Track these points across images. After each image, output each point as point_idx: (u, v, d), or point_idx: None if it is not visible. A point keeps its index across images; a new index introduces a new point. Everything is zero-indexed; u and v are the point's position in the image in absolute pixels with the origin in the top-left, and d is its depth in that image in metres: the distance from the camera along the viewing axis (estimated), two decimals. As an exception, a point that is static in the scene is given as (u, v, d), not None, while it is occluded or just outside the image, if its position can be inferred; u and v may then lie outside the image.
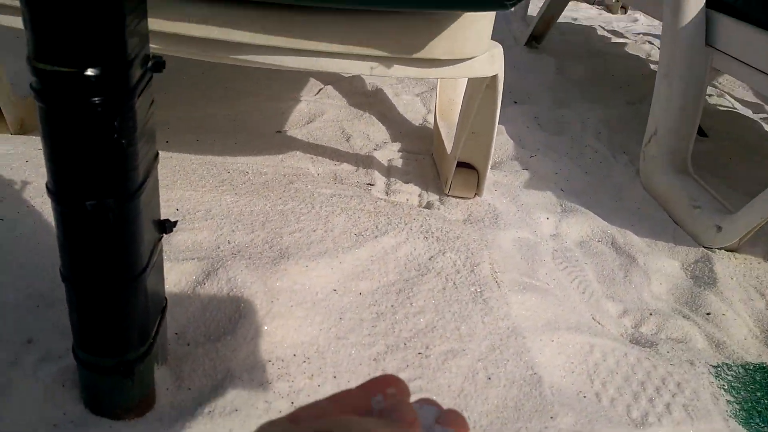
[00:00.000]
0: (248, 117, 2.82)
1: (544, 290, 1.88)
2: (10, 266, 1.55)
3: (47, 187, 0.98)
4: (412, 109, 3.25)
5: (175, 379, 1.30)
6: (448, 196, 2.41)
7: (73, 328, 1.11)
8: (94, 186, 0.95)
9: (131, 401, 1.19)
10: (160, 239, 1.20)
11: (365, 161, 2.66)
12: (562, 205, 2.52)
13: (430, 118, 3.14)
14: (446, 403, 1.36)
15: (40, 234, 1.67)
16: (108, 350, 1.11)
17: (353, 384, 1.36)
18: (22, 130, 2.34)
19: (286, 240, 1.78)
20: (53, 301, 1.46)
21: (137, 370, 1.14)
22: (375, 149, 2.78)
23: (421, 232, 1.96)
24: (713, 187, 2.55)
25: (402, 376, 1.37)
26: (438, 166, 2.62)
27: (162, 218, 1.18)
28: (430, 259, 1.85)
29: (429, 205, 2.34)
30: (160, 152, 1.11)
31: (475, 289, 1.72)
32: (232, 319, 1.42)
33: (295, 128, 2.85)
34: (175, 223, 1.22)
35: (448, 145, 2.49)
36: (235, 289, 1.49)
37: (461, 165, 2.32)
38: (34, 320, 1.39)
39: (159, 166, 1.11)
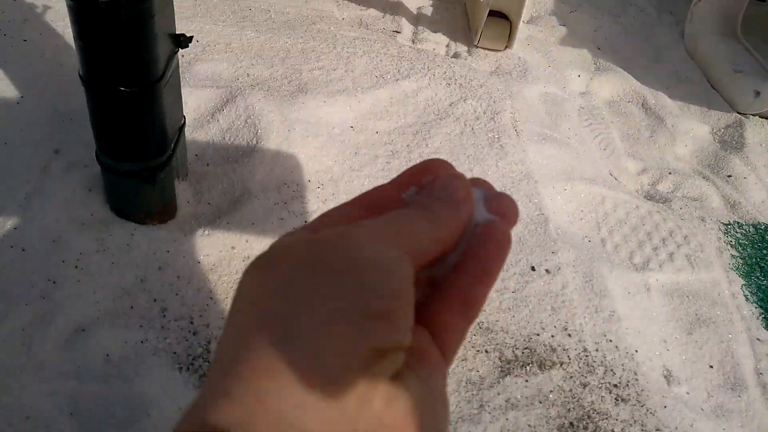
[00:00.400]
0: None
1: (564, 143, 1.86)
2: (36, 83, 1.58)
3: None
4: (447, -45, 3.02)
5: (195, 194, 1.36)
6: (477, 47, 2.32)
7: (94, 133, 1.16)
8: (104, -20, 0.94)
9: (153, 208, 1.26)
10: (175, 53, 1.19)
11: (393, 7, 2.54)
12: (596, 64, 2.41)
13: (466, -34, 2.93)
14: (452, 234, 1.42)
15: (63, 55, 1.68)
16: (128, 155, 1.16)
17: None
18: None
19: (306, 76, 1.76)
20: (77, 118, 1.50)
21: (158, 178, 1.19)
22: (404, -5, 2.64)
23: (444, 79, 1.91)
24: (761, 54, 2.39)
25: (412, 208, 1.41)
26: (469, 16, 2.49)
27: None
28: (450, 105, 1.82)
29: (456, 56, 2.26)
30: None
31: (493, 135, 1.71)
32: (249, 143, 1.45)
33: (322, -30, 2.70)
34: (191, 38, 1.21)
35: (481, -8, 2.34)
36: (252, 116, 1.50)
37: (493, 14, 2.20)
38: (60, 133, 1.44)
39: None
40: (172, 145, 1.22)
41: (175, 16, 1.15)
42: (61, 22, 1.82)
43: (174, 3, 1.13)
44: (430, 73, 1.92)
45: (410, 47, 2.16)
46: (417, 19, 2.58)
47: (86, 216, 1.25)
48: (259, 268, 0.28)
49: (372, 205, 0.33)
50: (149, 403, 1.00)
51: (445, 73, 1.95)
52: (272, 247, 0.29)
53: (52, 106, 1.53)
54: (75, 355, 1.06)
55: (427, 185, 0.33)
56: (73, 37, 1.03)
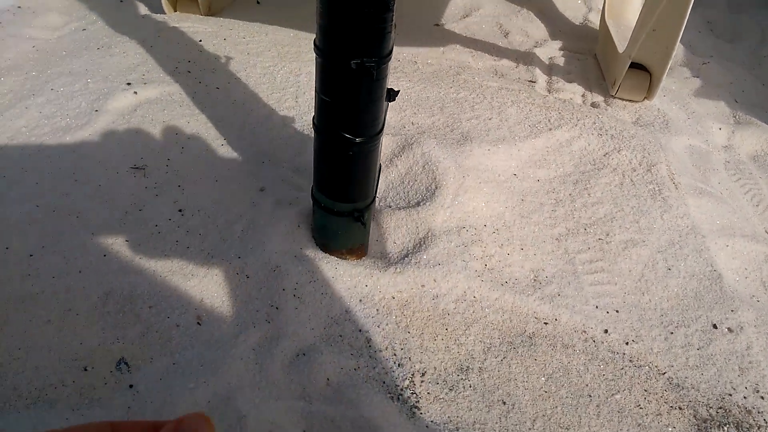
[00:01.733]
0: (405, 8, 2.84)
1: (718, 198, 1.86)
2: (232, 128, 1.77)
3: (315, 44, 1.11)
4: (571, 7, 3.11)
5: (382, 234, 1.47)
6: (614, 97, 2.36)
7: (317, 175, 1.29)
8: (358, 47, 1.07)
9: (353, 245, 1.38)
10: (388, 106, 1.32)
11: (525, 58, 2.63)
12: (735, 117, 2.39)
13: (592, 17, 3.01)
14: (627, 286, 1.45)
15: (251, 103, 1.87)
16: (343, 196, 1.28)
17: (539, 256, 1.48)
18: (211, 12, 2.54)
19: (465, 125, 1.86)
20: (276, 159, 1.66)
21: (365, 218, 1.31)
22: (535, 46, 2.73)
23: (595, 129, 1.97)
24: None
25: (583, 257, 1.46)
26: (603, 66, 2.54)
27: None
28: (605, 155, 1.87)
29: (594, 105, 2.31)
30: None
31: (653, 188, 1.74)
32: (428, 188, 1.56)
33: (451, 22, 2.85)
34: (398, 92, 1.33)
35: (620, 44, 2.39)
36: (429, 163, 1.61)
37: (632, 66, 2.25)
38: (261, 173, 1.60)
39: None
40: (376, 187, 1.34)
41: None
42: (243, 72, 2.02)
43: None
44: (580, 123, 1.98)
45: (553, 97, 2.23)
46: (550, 69, 2.66)
47: (297, 249, 1.38)
48: None
49: None
50: (376, 429, 1.08)
51: (594, 123, 2.01)
52: None
53: (250, 148, 1.70)
54: (300, 377, 1.17)
55: (171, 428, 0.34)
56: (316, 90, 1.17)
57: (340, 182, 1.26)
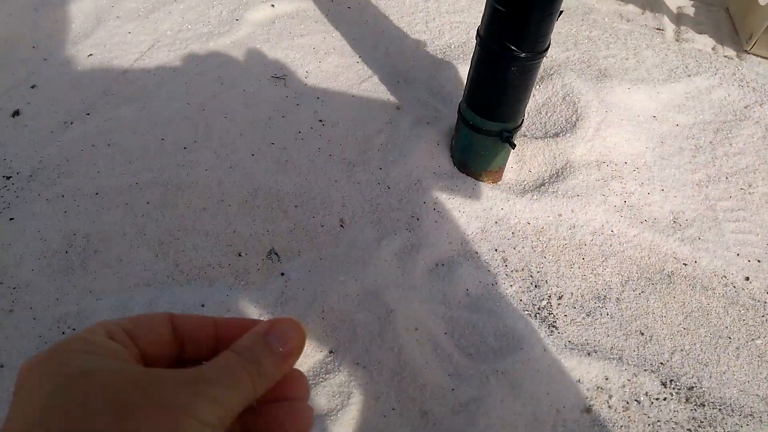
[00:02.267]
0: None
1: None
2: (366, 47, 1.78)
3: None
4: (706, -45, 2.90)
5: (518, 161, 1.46)
6: (748, 53, 2.20)
7: (470, 92, 1.28)
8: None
9: (493, 167, 1.37)
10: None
11: (652, 5, 2.48)
12: None
13: (730, -32, 2.79)
14: (771, 236, 1.39)
15: (382, 24, 1.87)
16: (494, 116, 1.27)
17: (680, 199, 1.43)
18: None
19: (602, 62, 1.80)
20: (410, 80, 1.66)
21: (511, 140, 1.29)
22: (665, -6, 2.57)
23: (735, 80, 1.86)
24: None
25: (725, 205, 1.40)
26: (737, 19, 2.37)
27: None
28: (745, 107, 1.77)
29: (728, 59, 2.17)
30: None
31: (802, 143, 1.63)
32: (569, 120, 1.52)
33: (576, -37, 2.72)
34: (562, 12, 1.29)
35: (766, -5, 2.22)
36: (571, 95, 1.57)
37: (776, 19, 2.09)
38: (398, 92, 1.61)
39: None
40: (525, 110, 1.32)
41: None
42: (373, -7, 2.01)
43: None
44: (719, 73, 1.87)
45: (689, 47, 2.11)
46: (678, 19, 2.50)
47: (435, 167, 1.39)
48: (64, 387, 0.27)
49: (193, 334, 0.33)
50: (519, 339, 1.10)
51: (734, 74, 1.89)
52: (82, 371, 0.27)
53: (384, 67, 1.71)
54: (440, 284, 1.20)
55: (262, 331, 0.32)
56: (488, 4, 1.14)
57: (495, 100, 1.25)
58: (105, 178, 1.33)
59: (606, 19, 2.19)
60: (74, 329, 1.07)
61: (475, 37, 1.22)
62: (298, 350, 0.32)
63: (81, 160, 1.37)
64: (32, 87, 1.59)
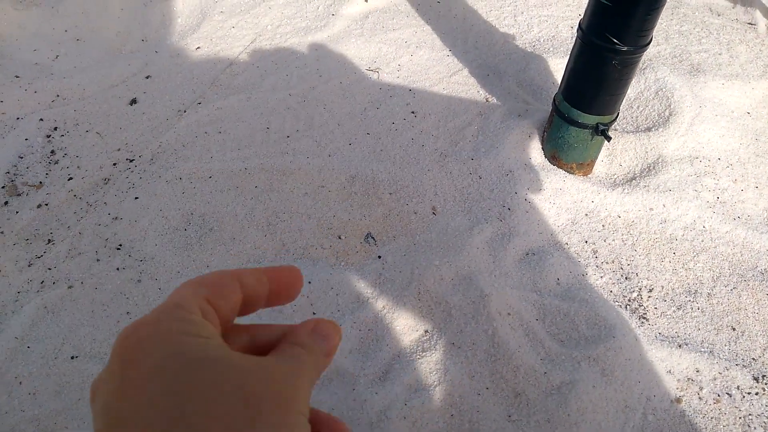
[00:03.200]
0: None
1: None
2: (456, 41, 1.82)
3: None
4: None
5: (609, 155, 1.48)
6: None
7: (567, 84, 1.31)
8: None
9: (585, 160, 1.40)
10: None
11: (746, -2, 2.40)
12: None
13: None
14: None
15: (471, 18, 1.91)
16: (590, 108, 1.29)
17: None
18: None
19: (695, 57, 1.77)
20: (499, 73, 1.70)
21: (607, 133, 1.31)
22: (760, -14, 2.47)
23: (839, 76, 1.78)
24: None
25: (824, 203, 1.37)
26: None
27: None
28: None
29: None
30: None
31: None
32: (661, 114, 1.52)
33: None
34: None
35: None
36: (664, 89, 1.57)
37: None
38: (488, 85, 1.65)
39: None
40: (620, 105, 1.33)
41: None
42: (460, -13, 2.04)
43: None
44: (820, 69, 1.80)
45: (784, 39, 2.04)
46: (775, 12, 2.40)
47: (527, 158, 1.43)
48: (166, 370, 0.27)
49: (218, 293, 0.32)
50: (611, 328, 1.13)
51: (837, 70, 1.81)
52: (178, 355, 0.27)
53: (474, 60, 1.75)
54: (531, 272, 1.24)
55: (311, 329, 0.34)
56: None
57: (593, 93, 1.27)
58: (217, 163, 1.44)
59: (696, 13, 2.15)
60: (196, 298, 1.19)
61: (576, 31, 1.24)
62: (336, 349, 0.35)
63: (195, 146, 1.49)
64: (147, 77, 1.73)
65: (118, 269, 1.24)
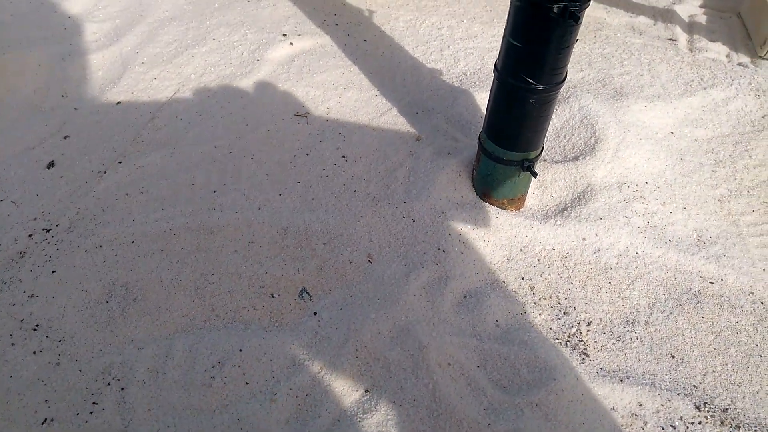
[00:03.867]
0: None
1: None
2: (383, 80, 1.81)
3: (507, -8, 1.11)
4: (715, -40, 2.90)
5: (539, 186, 1.48)
6: (762, 59, 2.20)
7: (489, 123, 1.31)
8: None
9: (515, 195, 1.40)
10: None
11: (664, 15, 2.49)
12: None
13: (740, -29, 2.79)
14: (798, 249, 1.39)
15: (398, 55, 1.91)
16: (514, 146, 1.29)
17: (702, 216, 1.44)
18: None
19: (618, 81, 1.81)
20: (428, 110, 1.70)
21: (532, 169, 1.32)
22: (674, 3, 2.58)
23: (752, 90, 1.86)
24: None
25: (748, 219, 1.41)
26: (750, 25, 2.36)
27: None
28: (763, 117, 1.77)
29: (742, 66, 2.17)
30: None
31: (825, 151, 1.63)
32: (587, 142, 1.54)
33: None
34: (577, 41, 1.32)
35: (779, 0, 2.21)
36: (588, 117, 1.59)
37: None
38: (418, 123, 1.65)
39: None
40: (544, 139, 1.34)
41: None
42: (386, 25, 2.05)
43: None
44: (735, 83, 1.87)
45: (703, 57, 2.12)
46: (690, 28, 2.51)
47: (458, 197, 1.42)
48: None
49: None
50: (552, 369, 1.12)
51: (750, 84, 1.89)
52: None
53: (403, 98, 1.74)
54: (470, 316, 1.22)
55: None
56: (505, 35, 1.17)
57: (515, 131, 1.27)
58: (140, 226, 1.38)
59: (618, 34, 2.21)
60: (118, 380, 1.12)
61: (492, 70, 1.25)
62: None
63: (116, 209, 1.42)
64: (65, 138, 1.65)
65: (34, 353, 1.16)
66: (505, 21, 1.19)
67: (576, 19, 1.06)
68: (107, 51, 1.95)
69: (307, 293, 1.28)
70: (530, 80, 1.17)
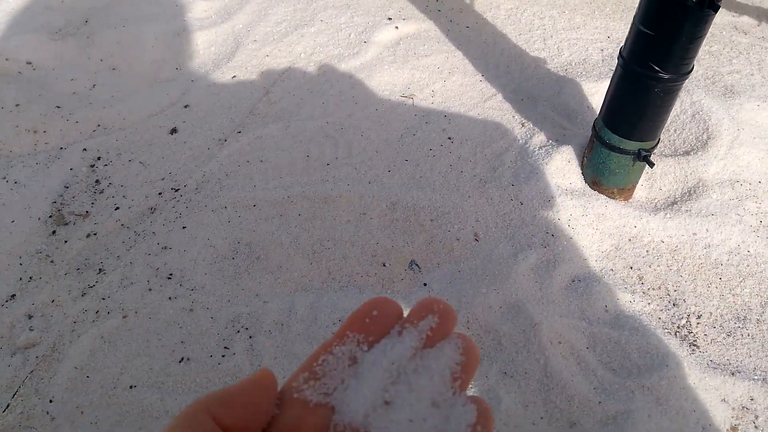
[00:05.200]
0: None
1: None
2: (487, 66, 1.84)
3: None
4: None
5: (648, 179, 1.48)
6: None
7: (609, 111, 1.32)
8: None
9: (626, 185, 1.40)
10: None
11: (767, 16, 2.40)
12: None
13: None
14: None
15: (501, 42, 1.93)
16: (632, 135, 1.30)
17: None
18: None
19: (728, 78, 1.78)
20: (533, 97, 1.72)
21: (649, 159, 1.32)
22: (785, 3, 2.48)
23: None
24: None
25: None
26: None
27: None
28: None
29: None
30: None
31: None
32: (699, 138, 1.53)
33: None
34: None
35: None
36: (701, 113, 1.57)
37: None
38: (523, 110, 1.67)
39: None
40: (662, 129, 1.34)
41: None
42: (488, 13, 2.07)
43: None
44: None
45: (815, 58, 2.04)
46: (800, 29, 2.40)
47: (567, 184, 1.44)
48: None
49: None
50: (664, 356, 1.13)
51: None
52: None
53: (507, 85, 1.77)
54: (578, 300, 1.25)
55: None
56: (634, 22, 1.18)
57: (635, 119, 1.28)
58: (261, 192, 1.46)
59: (723, 33, 2.16)
60: (247, 329, 1.20)
61: (617, 58, 1.26)
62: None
63: (238, 175, 1.51)
64: (185, 107, 1.76)
65: (170, 298, 1.26)
66: (635, 8, 1.20)
67: (716, 8, 1.06)
68: (219, 28, 2.05)
69: (417, 265, 1.33)
70: (657, 68, 1.17)
